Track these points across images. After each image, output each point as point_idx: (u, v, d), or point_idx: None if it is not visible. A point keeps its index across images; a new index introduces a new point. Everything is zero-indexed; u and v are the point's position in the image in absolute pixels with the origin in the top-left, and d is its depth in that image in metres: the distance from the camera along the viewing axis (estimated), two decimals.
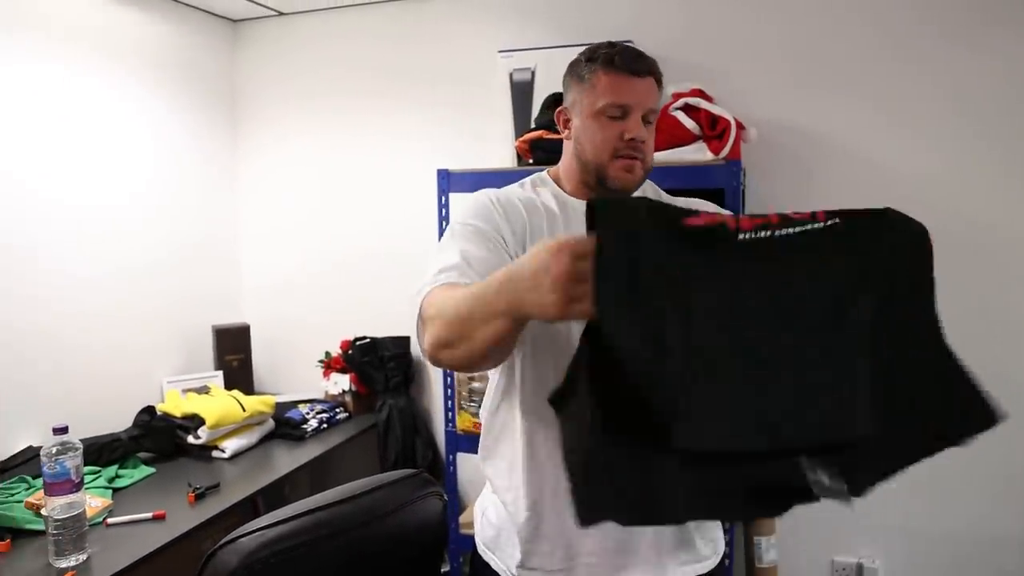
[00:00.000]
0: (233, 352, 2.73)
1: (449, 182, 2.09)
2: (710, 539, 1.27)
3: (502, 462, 1.26)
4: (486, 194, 1.24)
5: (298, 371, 2.84)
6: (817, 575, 2.34)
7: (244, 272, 3.00)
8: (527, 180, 1.31)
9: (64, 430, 1.57)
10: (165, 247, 2.61)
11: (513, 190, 1.28)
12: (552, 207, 1.23)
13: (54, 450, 1.54)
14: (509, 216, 1.19)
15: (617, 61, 1.18)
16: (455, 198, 2.12)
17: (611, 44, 1.21)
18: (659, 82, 1.21)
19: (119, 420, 2.23)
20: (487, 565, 1.30)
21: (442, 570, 2.13)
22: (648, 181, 1.29)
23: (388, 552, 1.33)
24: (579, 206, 1.20)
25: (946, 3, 2.09)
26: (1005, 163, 2.08)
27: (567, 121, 1.25)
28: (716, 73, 2.24)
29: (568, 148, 1.26)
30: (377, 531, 1.30)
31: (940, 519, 2.20)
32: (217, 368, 2.69)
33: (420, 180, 2.65)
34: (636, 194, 1.23)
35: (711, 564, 1.26)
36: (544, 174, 1.31)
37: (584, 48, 1.24)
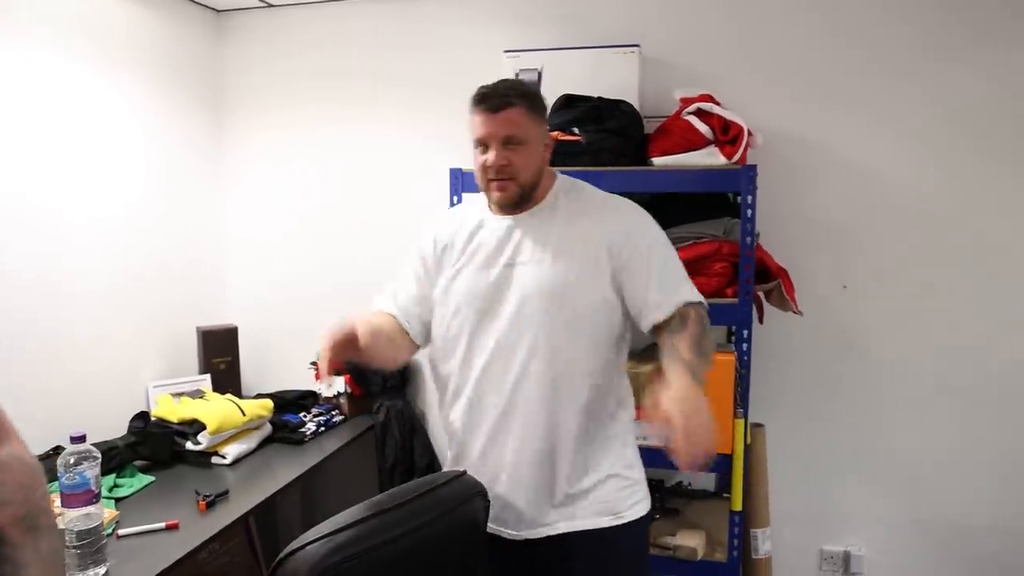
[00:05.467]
0: (220, 355, 2.63)
1: (463, 182, 2.08)
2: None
3: None
4: (429, 225, 1.61)
5: (288, 374, 2.75)
6: (806, 564, 2.44)
7: (231, 272, 2.89)
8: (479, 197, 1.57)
9: (82, 438, 1.49)
10: (149, 248, 2.50)
11: (458, 210, 1.67)
12: (469, 224, 1.52)
13: (72, 459, 1.46)
14: (422, 247, 1.59)
15: (478, 101, 1.41)
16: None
17: (489, 84, 1.43)
18: (531, 107, 1.41)
19: (104, 427, 2.09)
20: None
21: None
22: (569, 181, 1.52)
23: (441, 553, 1.33)
24: (489, 221, 1.49)
25: (943, 19, 2.19)
26: (999, 171, 2.18)
27: None
28: (719, 78, 2.28)
29: None
30: (431, 533, 1.29)
31: (922, 509, 2.32)
32: (203, 372, 2.60)
33: (413, 178, 2.62)
34: (552, 199, 1.47)
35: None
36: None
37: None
